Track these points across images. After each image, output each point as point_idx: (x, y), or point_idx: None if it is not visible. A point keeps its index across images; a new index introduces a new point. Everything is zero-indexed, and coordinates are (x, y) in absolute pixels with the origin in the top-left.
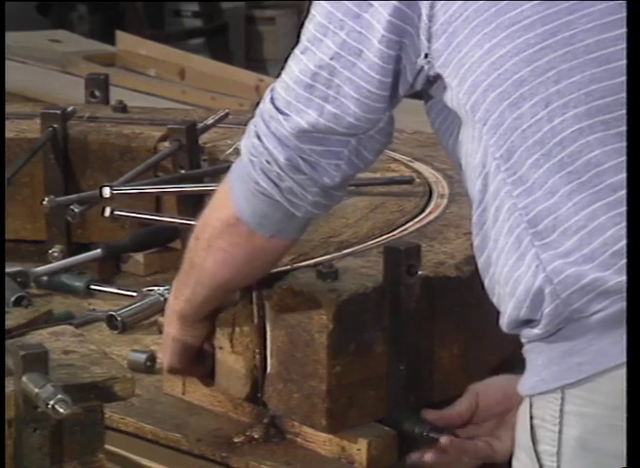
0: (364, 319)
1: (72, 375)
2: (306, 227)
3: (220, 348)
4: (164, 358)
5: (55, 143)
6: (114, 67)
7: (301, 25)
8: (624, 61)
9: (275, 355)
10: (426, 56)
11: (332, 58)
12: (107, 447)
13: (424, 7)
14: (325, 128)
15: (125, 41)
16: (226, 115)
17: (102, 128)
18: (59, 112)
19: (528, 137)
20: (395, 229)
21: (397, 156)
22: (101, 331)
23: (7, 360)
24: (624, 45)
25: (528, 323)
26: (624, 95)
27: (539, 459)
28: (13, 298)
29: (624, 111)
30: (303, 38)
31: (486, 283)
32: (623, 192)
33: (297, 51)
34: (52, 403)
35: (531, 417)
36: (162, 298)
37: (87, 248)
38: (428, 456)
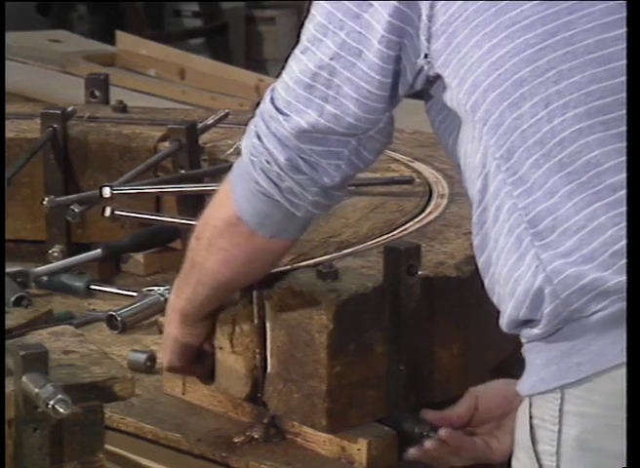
0: (364, 319)
1: (72, 375)
2: (307, 227)
3: (220, 348)
4: (164, 356)
5: (55, 143)
6: (114, 67)
7: (301, 25)
8: (624, 62)
9: (275, 355)
10: (426, 56)
11: (332, 59)
12: (107, 447)
13: (424, 7)
14: (325, 128)
15: (125, 41)
16: (226, 115)
17: (102, 128)
18: (59, 112)
19: (528, 138)
20: (395, 229)
21: (397, 156)
22: (101, 331)
23: (7, 360)
24: (624, 45)
25: (527, 323)
26: (624, 95)
27: (538, 459)
28: (13, 298)
29: (624, 111)
30: (303, 38)
31: (486, 283)
32: (623, 192)
33: (297, 51)
34: (52, 403)
35: (530, 417)
36: (162, 298)
37: (87, 248)
38: (428, 444)
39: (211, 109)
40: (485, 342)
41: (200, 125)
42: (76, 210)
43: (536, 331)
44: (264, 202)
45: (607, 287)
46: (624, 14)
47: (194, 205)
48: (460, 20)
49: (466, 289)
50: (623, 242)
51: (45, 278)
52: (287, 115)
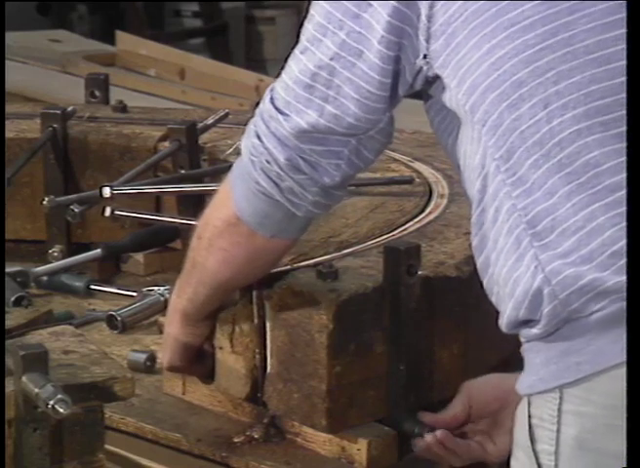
0: (364, 319)
1: (72, 375)
2: (307, 227)
3: (220, 348)
4: (164, 356)
5: (55, 143)
6: (114, 67)
7: (301, 25)
8: (624, 62)
9: (275, 355)
10: (425, 56)
11: (332, 59)
12: (107, 447)
13: (424, 7)
14: (325, 128)
15: (125, 41)
16: (226, 115)
17: (102, 128)
18: (59, 112)
19: (527, 138)
20: (395, 229)
21: (397, 156)
22: (101, 331)
23: (7, 360)
24: (624, 45)
25: (527, 323)
26: (624, 95)
27: (537, 458)
28: (13, 298)
29: (623, 112)
30: (303, 38)
31: (485, 283)
32: (622, 193)
33: (296, 51)
34: (52, 403)
35: (529, 416)
36: (162, 298)
37: (87, 248)
38: (428, 438)
39: (211, 109)
40: (485, 342)
41: (200, 125)
42: (76, 210)
43: (535, 330)
44: (264, 202)
45: (606, 287)
46: (624, 14)
47: (194, 205)
48: (459, 21)
49: (466, 289)
50: (622, 242)
51: (45, 278)
52: (287, 115)
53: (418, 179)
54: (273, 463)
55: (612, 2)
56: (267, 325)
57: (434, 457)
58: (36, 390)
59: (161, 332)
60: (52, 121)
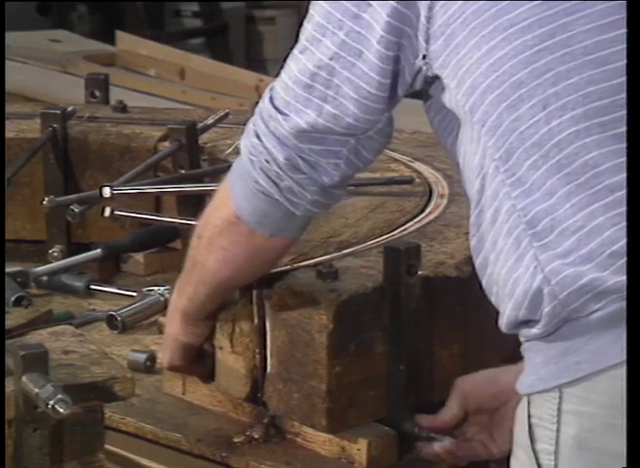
0: (364, 319)
1: (72, 375)
2: (306, 226)
3: (220, 348)
4: (165, 355)
5: (55, 143)
6: (114, 67)
7: (301, 25)
8: (622, 63)
9: (275, 355)
10: (424, 57)
11: (331, 59)
12: (107, 447)
13: (423, 8)
14: (324, 128)
15: (125, 41)
16: (226, 115)
17: (102, 128)
18: (59, 112)
19: (526, 139)
20: (395, 229)
21: (397, 156)
22: (101, 331)
23: (7, 360)
24: (622, 46)
25: (527, 323)
26: (622, 96)
27: (536, 458)
28: (13, 298)
29: (622, 113)
30: (302, 38)
31: (484, 283)
32: (621, 193)
33: (295, 50)
34: (52, 403)
35: (529, 416)
36: (162, 298)
37: (87, 248)
38: (438, 448)
39: (211, 109)
40: (485, 342)
41: (200, 125)
42: (76, 210)
43: (535, 330)
44: (264, 201)
45: (605, 287)
46: (622, 15)
47: (194, 205)
48: (458, 22)
49: (466, 289)
50: (622, 242)
51: (45, 278)
52: (286, 115)
53: (418, 179)
54: (273, 463)
55: (610, 3)
56: (267, 325)
57: (436, 459)
58: (36, 390)
59: (161, 332)
60: (52, 121)
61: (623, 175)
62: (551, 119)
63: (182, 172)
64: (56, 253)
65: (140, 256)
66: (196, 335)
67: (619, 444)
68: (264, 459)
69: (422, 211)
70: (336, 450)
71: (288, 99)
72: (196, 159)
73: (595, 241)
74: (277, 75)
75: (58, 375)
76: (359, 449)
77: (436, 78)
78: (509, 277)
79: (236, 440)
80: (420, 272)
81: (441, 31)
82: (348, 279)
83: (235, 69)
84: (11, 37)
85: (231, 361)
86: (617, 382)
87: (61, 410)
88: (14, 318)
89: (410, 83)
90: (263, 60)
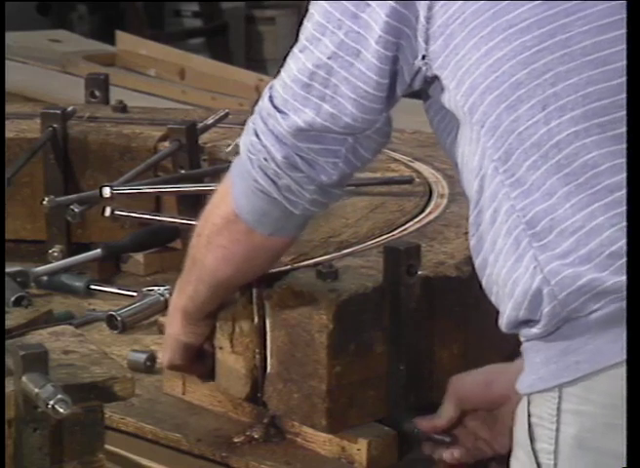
0: (364, 319)
1: (72, 375)
2: (305, 225)
3: (221, 348)
4: (165, 354)
5: (55, 143)
6: (114, 67)
7: (301, 25)
8: (622, 63)
9: (275, 355)
10: (424, 57)
11: (329, 58)
12: (107, 447)
13: (422, 8)
14: (322, 127)
15: (125, 41)
16: (226, 115)
17: (102, 128)
18: (59, 112)
19: (525, 140)
20: (395, 229)
21: (397, 156)
22: (101, 331)
23: (7, 360)
24: (622, 47)
25: (527, 323)
26: (621, 97)
27: (536, 457)
28: (13, 298)
29: (621, 113)
30: (302, 37)
31: (483, 283)
32: (621, 193)
33: (295, 49)
34: (52, 403)
35: (529, 415)
36: (162, 298)
37: (87, 248)
38: (448, 457)
39: (211, 109)
40: (485, 342)
41: (200, 125)
42: (76, 210)
43: (535, 330)
44: (263, 199)
45: (605, 287)
46: (621, 15)
47: (194, 205)
48: (457, 23)
49: (466, 289)
50: (621, 242)
51: (45, 278)
52: (284, 113)
53: (418, 179)
54: (273, 463)
55: (610, 3)
56: (267, 325)
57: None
58: (36, 390)
59: (161, 333)
60: (52, 121)
61: (623, 176)
62: (550, 120)
63: (182, 172)
64: (56, 253)
65: (140, 256)
66: (196, 335)
67: (618, 443)
68: (264, 459)
69: (422, 211)
70: (336, 450)
71: (287, 98)
72: (196, 159)
73: (594, 241)
74: (277, 74)
75: (58, 375)
76: (359, 449)
77: (435, 78)
78: (509, 277)
79: (236, 440)
80: (420, 272)
81: (440, 32)
82: (348, 279)
83: (235, 69)
84: (11, 37)
85: (231, 361)
86: (616, 382)
87: (61, 410)
88: (14, 318)
89: (409, 83)
90: (263, 60)
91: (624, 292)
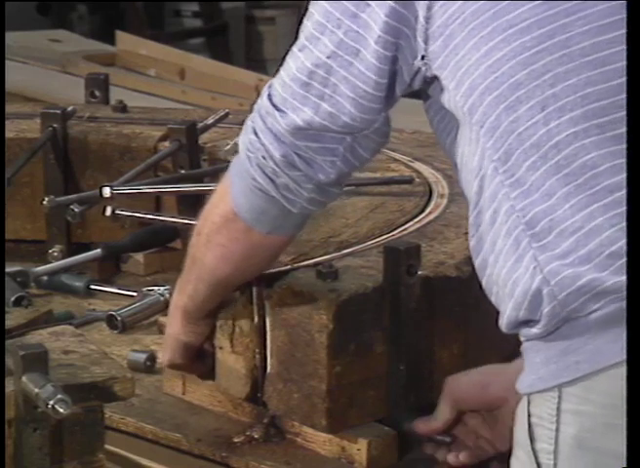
0: (364, 319)
1: (72, 375)
2: (304, 224)
3: (221, 348)
4: (165, 354)
5: (55, 143)
6: (114, 67)
7: (301, 24)
8: (621, 64)
9: (275, 355)
10: (423, 57)
11: (329, 57)
12: (107, 447)
13: (421, 8)
14: (320, 126)
15: (125, 41)
16: (226, 115)
17: (102, 128)
18: (59, 112)
19: (524, 140)
20: (395, 229)
21: (397, 156)
22: (101, 331)
23: (7, 360)
24: (621, 47)
25: (527, 323)
26: (620, 97)
27: (536, 457)
28: (13, 298)
29: (620, 114)
30: (302, 36)
31: (483, 283)
32: (620, 194)
33: (295, 48)
34: (52, 403)
35: (529, 415)
36: (162, 298)
37: (87, 248)
38: (452, 459)
39: (211, 109)
40: (485, 342)
41: (200, 125)
42: (76, 210)
43: (535, 330)
44: (261, 198)
45: (604, 287)
46: (620, 16)
47: (194, 205)
48: (457, 23)
49: (466, 289)
50: (620, 243)
51: (45, 278)
52: (283, 112)
53: (418, 179)
54: (273, 463)
55: (611, 3)
56: (267, 325)
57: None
58: (36, 390)
59: (161, 333)
60: (52, 121)
61: (622, 176)
62: (550, 120)
63: (182, 172)
64: (56, 253)
65: (140, 256)
66: (196, 334)
67: (618, 443)
68: (264, 459)
69: (422, 211)
70: (336, 450)
71: (285, 97)
72: (196, 159)
73: (594, 241)
74: (276, 73)
75: (58, 375)
76: (359, 449)
77: (435, 78)
78: (509, 277)
79: (236, 440)
80: (420, 272)
81: (440, 32)
82: (348, 279)
83: (235, 69)
84: (11, 37)
85: (231, 361)
86: (616, 382)
87: (61, 410)
88: (14, 318)
89: (408, 83)
90: (263, 60)
91: (624, 293)
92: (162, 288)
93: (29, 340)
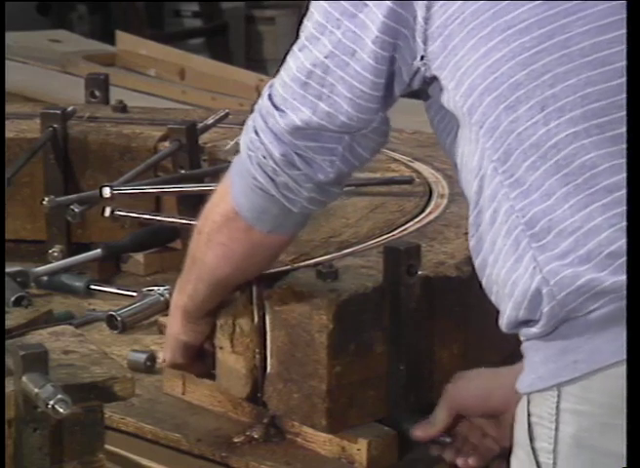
0: (364, 319)
1: (72, 375)
2: (304, 223)
3: (221, 348)
4: (166, 353)
5: (55, 143)
6: (114, 67)
7: (301, 24)
8: (620, 64)
9: (275, 355)
10: (422, 58)
11: (326, 57)
12: (107, 447)
13: (420, 8)
14: (318, 125)
15: (125, 41)
16: (226, 115)
17: (102, 128)
18: (59, 112)
19: (524, 140)
20: (395, 229)
21: (397, 156)
22: (101, 331)
23: (7, 360)
24: (621, 47)
25: (527, 322)
26: (620, 97)
27: (535, 456)
28: (13, 298)
29: (620, 114)
30: (302, 36)
31: (483, 282)
32: (619, 194)
33: (295, 48)
34: (52, 403)
35: (528, 414)
36: (162, 298)
37: (87, 248)
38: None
39: (211, 109)
40: (485, 342)
41: (200, 125)
42: (76, 210)
43: (534, 330)
44: (261, 197)
45: (603, 287)
46: (620, 16)
47: (194, 205)
48: (456, 23)
49: (466, 289)
50: (619, 243)
51: (45, 278)
52: (282, 111)
53: (418, 179)
54: (273, 463)
55: (611, 3)
56: (267, 325)
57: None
58: (36, 390)
59: (161, 333)
60: (52, 121)
61: (621, 176)
62: (549, 120)
63: (182, 172)
64: (56, 253)
65: (140, 256)
66: (197, 333)
67: (616, 443)
68: (264, 459)
69: (422, 211)
70: (336, 450)
71: (285, 96)
72: (196, 159)
73: (593, 241)
74: (277, 73)
75: (58, 375)
76: (359, 449)
77: (434, 79)
78: (509, 277)
79: (236, 440)
80: (420, 272)
81: (439, 32)
82: (348, 279)
83: (235, 69)
84: (11, 37)
85: (231, 361)
86: (614, 381)
87: (61, 410)
88: (14, 318)
89: (408, 83)
90: (263, 60)
91: (623, 292)
92: (162, 288)
93: (29, 340)
